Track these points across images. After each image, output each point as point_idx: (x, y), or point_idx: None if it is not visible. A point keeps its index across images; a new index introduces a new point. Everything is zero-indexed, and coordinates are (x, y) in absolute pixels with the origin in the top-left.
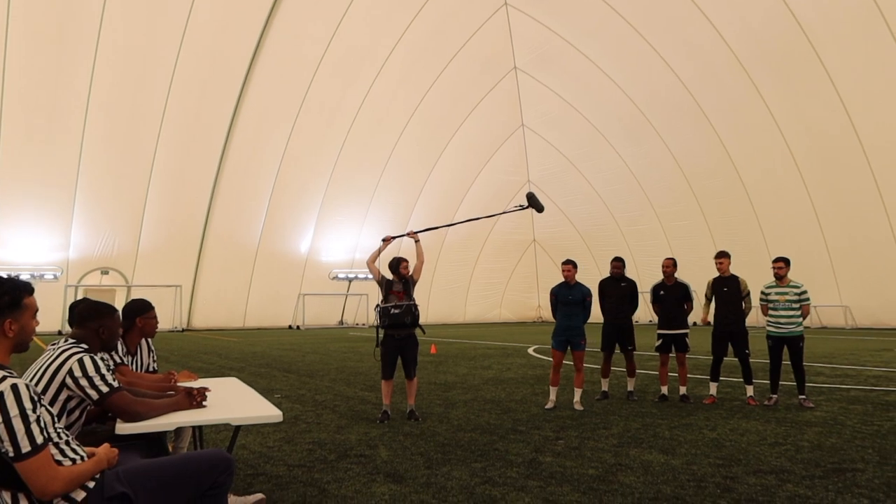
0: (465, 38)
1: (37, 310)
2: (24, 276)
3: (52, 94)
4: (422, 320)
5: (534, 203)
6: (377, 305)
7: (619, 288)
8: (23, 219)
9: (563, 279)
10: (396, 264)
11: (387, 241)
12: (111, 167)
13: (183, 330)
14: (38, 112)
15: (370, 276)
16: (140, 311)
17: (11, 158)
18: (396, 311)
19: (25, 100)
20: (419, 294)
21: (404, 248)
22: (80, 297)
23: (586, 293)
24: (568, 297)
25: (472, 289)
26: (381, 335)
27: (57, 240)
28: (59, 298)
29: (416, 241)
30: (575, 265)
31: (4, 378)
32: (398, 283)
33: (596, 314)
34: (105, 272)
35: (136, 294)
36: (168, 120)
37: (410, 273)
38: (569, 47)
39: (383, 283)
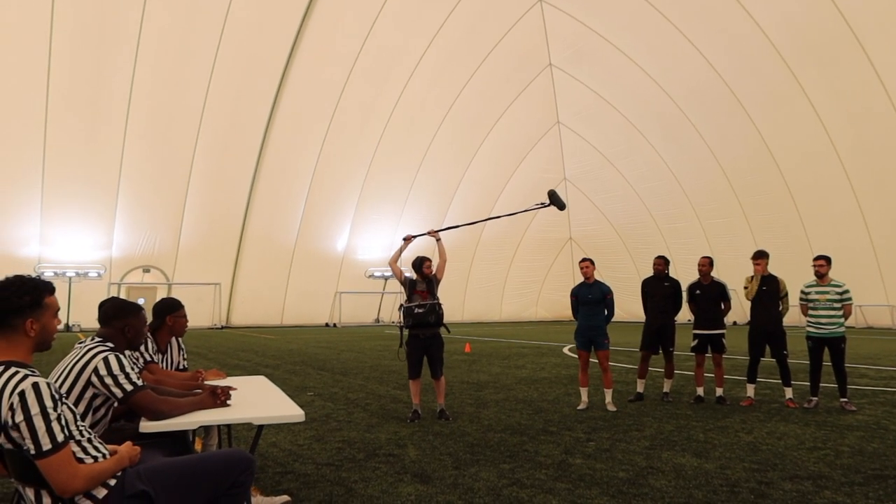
0: (499, 36)
1: (58, 309)
2: (70, 274)
3: (95, 96)
4: (457, 318)
5: (555, 200)
6: (401, 305)
7: (662, 287)
8: (68, 219)
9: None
10: (419, 264)
11: (407, 240)
12: (152, 167)
13: (222, 327)
14: (81, 114)
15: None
16: (170, 309)
17: (57, 160)
18: (420, 310)
19: (69, 102)
20: (455, 292)
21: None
22: (123, 294)
23: (606, 291)
24: (588, 297)
25: (508, 287)
26: (405, 335)
27: (100, 239)
28: (102, 296)
29: (438, 240)
30: (593, 262)
31: (26, 377)
32: (421, 282)
33: (638, 313)
34: (147, 270)
35: (177, 292)
36: (206, 120)
37: (434, 272)
38: (604, 42)
39: (406, 283)
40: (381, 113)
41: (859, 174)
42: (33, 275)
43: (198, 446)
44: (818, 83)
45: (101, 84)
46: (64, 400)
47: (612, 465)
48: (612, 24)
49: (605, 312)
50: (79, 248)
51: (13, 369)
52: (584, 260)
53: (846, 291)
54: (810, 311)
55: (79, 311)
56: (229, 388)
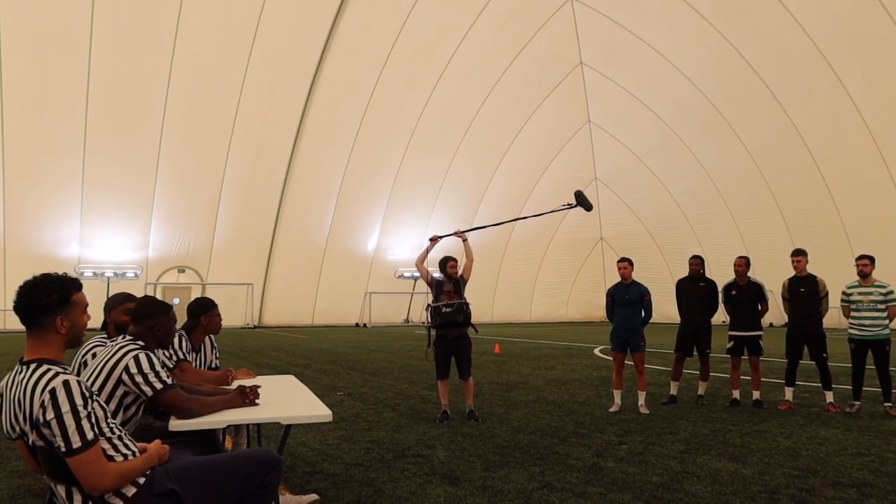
0: (529, 35)
1: (87, 305)
2: (108, 275)
3: (131, 100)
4: (486, 319)
5: (582, 201)
6: (428, 305)
7: (697, 288)
8: (107, 220)
9: (619, 279)
10: (444, 263)
11: (434, 240)
12: (187, 170)
13: (254, 327)
14: (119, 118)
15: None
16: (205, 308)
17: (96, 163)
18: (448, 309)
19: (108, 106)
20: (485, 292)
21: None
22: (159, 294)
23: (643, 292)
24: (625, 297)
25: (538, 288)
26: (433, 335)
27: (137, 239)
28: (139, 295)
29: (464, 241)
30: (631, 262)
31: (57, 374)
32: (448, 282)
33: (671, 314)
34: (182, 270)
35: (211, 292)
36: (239, 123)
37: (460, 273)
38: (636, 40)
39: (433, 284)
40: (411, 113)
41: None
42: (72, 274)
43: (228, 444)
44: (858, 78)
45: (138, 88)
46: (95, 398)
47: (646, 470)
48: (643, 21)
49: (643, 314)
50: (117, 249)
51: (45, 367)
52: (622, 260)
53: (891, 292)
54: (853, 313)
55: None
56: (257, 386)
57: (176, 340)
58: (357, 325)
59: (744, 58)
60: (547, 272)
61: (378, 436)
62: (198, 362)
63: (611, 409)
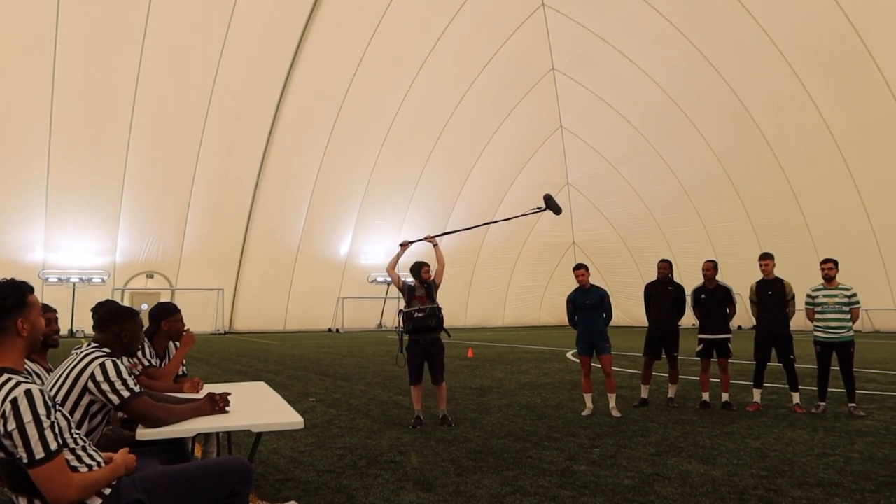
0: (501, 41)
1: (40, 307)
2: (74, 280)
3: (99, 102)
4: (460, 323)
5: (551, 205)
6: (400, 310)
7: (666, 292)
8: (72, 225)
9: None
10: (418, 269)
11: (404, 246)
12: (155, 173)
13: (225, 333)
14: (85, 120)
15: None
16: (165, 314)
17: (61, 166)
18: (420, 314)
19: (74, 108)
20: (458, 296)
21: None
22: (126, 300)
23: (603, 294)
24: (586, 302)
25: (511, 292)
26: (405, 340)
27: (104, 245)
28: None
29: (435, 246)
30: (587, 269)
31: (18, 384)
32: (420, 287)
33: (641, 318)
34: (150, 276)
35: (180, 297)
36: (210, 126)
37: (432, 278)
38: (607, 47)
39: (405, 289)
40: (383, 118)
41: (865, 177)
42: (36, 280)
43: (198, 453)
44: (822, 86)
45: (105, 89)
46: (58, 407)
47: (618, 472)
48: (615, 28)
49: (604, 316)
50: (83, 254)
51: (5, 376)
52: (579, 266)
53: (854, 294)
54: (818, 316)
55: (82, 317)
56: (227, 394)
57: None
58: (330, 330)
59: (712, 65)
60: (520, 276)
61: (351, 442)
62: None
63: (583, 413)
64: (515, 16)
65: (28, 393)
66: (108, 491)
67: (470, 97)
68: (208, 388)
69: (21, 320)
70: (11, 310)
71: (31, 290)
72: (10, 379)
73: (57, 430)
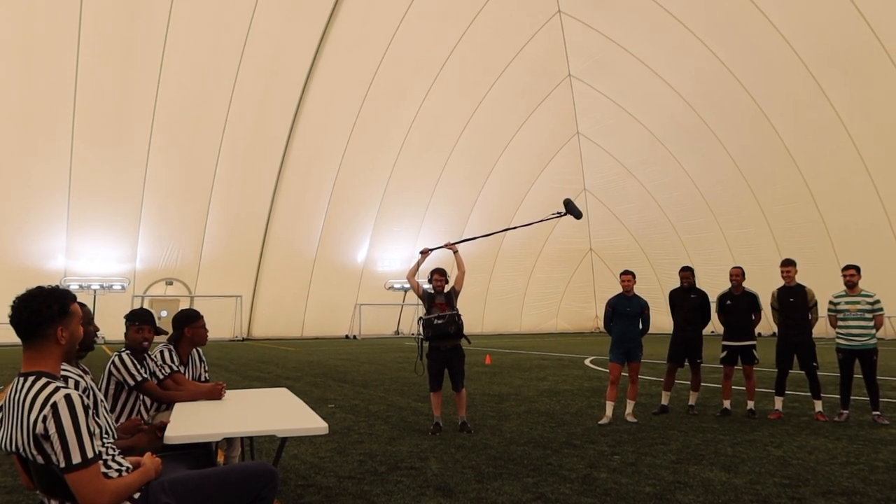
0: (517, 48)
1: (81, 316)
2: (94, 287)
3: (119, 110)
4: (477, 330)
5: (571, 209)
6: (420, 318)
7: (688, 299)
8: (93, 232)
9: (620, 290)
10: (431, 277)
11: (425, 253)
12: (175, 181)
13: (243, 339)
14: (106, 128)
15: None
16: (189, 320)
17: (83, 174)
18: (440, 321)
19: (95, 117)
20: (475, 303)
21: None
22: (146, 307)
23: (644, 305)
24: (626, 309)
25: (528, 298)
26: (425, 347)
27: (124, 252)
28: (126, 308)
29: (455, 252)
30: (634, 275)
31: (58, 388)
32: (440, 294)
33: (662, 325)
34: (169, 283)
35: (199, 304)
36: (228, 135)
37: (449, 287)
38: (624, 53)
39: (425, 297)
40: (400, 125)
41: (885, 181)
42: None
43: (220, 458)
44: (841, 89)
45: (126, 98)
46: (95, 413)
47: (639, 480)
48: (632, 34)
49: (640, 326)
50: (103, 261)
51: (45, 380)
52: (625, 273)
53: (877, 301)
54: (840, 323)
55: (102, 323)
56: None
57: (165, 353)
58: (347, 336)
59: (730, 70)
60: (537, 283)
61: (370, 448)
62: (187, 375)
63: (600, 422)
64: (532, 23)
65: (68, 398)
66: (137, 495)
67: (487, 103)
68: (229, 394)
69: (61, 329)
70: (54, 318)
71: (73, 299)
72: (49, 383)
73: (95, 435)
